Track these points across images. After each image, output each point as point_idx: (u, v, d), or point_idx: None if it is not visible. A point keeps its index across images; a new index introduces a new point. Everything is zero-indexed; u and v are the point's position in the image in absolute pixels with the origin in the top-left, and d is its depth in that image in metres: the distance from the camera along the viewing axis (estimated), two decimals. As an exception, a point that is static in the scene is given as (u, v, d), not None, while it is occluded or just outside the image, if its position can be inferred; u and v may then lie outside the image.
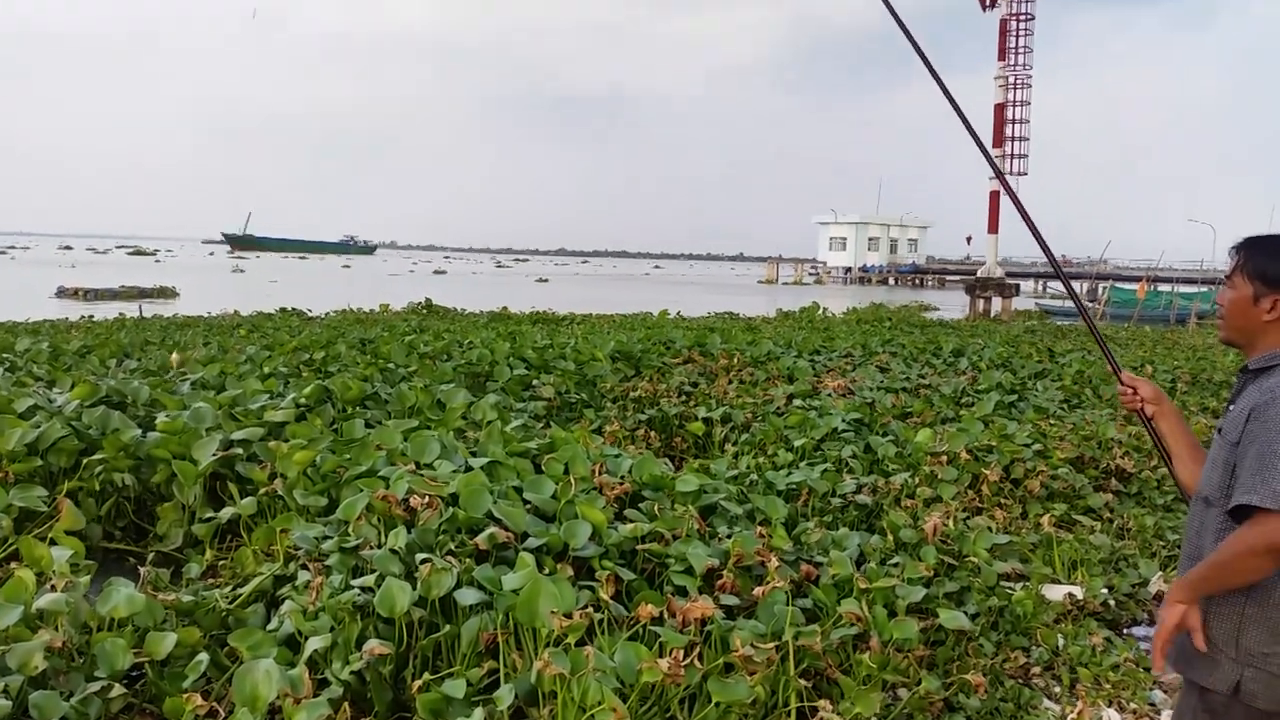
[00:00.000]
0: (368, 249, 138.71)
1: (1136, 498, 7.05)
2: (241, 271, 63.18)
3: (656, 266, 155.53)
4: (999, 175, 3.73)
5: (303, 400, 7.24)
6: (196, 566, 4.54)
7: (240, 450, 5.88)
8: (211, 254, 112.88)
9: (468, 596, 3.70)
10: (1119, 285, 46.44)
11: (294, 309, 20.97)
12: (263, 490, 5.30)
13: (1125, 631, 4.98)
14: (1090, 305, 41.00)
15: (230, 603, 4.05)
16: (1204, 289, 46.27)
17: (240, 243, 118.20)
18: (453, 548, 4.18)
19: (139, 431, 5.96)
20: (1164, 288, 46.41)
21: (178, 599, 3.88)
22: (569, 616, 3.40)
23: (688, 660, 3.31)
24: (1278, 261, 2.23)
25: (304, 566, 4.18)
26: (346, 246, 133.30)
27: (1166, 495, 7.12)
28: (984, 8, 39.26)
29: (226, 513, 5.11)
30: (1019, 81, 38.67)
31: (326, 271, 72.35)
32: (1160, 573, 5.62)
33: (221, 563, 4.94)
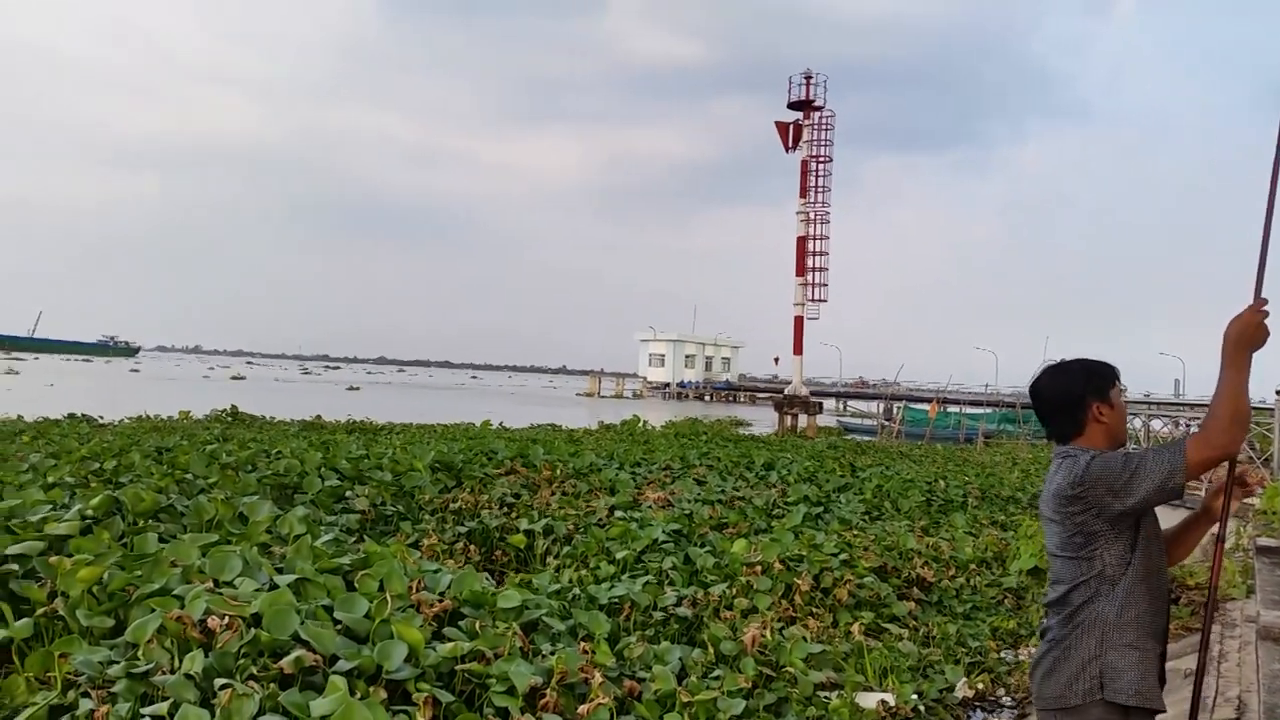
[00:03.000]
0: (129, 350, 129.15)
1: (938, 606, 7.45)
2: (15, 373, 57.94)
3: (474, 377, 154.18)
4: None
5: (90, 512, 6.65)
6: (-47, 700, 4.01)
7: (15, 566, 5.31)
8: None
9: (271, 724, 3.45)
10: (912, 406, 49.74)
11: (84, 415, 19.37)
12: (41, 610, 4.79)
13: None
14: (886, 424, 43.69)
15: (-7, 741, 3.60)
16: (989, 410, 50.24)
17: None
18: (255, 672, 3.90)
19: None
20: (953, 408, 50.07)
21: (-72, 739, 3.42)
22: (384, 742, 3.23)
23: (509, 784, 3.20)
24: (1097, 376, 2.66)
25: (86, 695, 3.78)
26: (105, 348, 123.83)
27: (965, 604, 7.56)
28: (787, 149, 42.51)
29: (-4, 636, 4.57)
30: (818, 216, 41.80)
31: (113, 375, 67.62)
32: (965, 678, 5.93)
33: (-14, 694, 4.39)
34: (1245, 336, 2.43)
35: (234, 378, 76.67)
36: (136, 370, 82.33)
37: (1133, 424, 12.80)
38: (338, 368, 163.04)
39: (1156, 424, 13.15)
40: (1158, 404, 13.87)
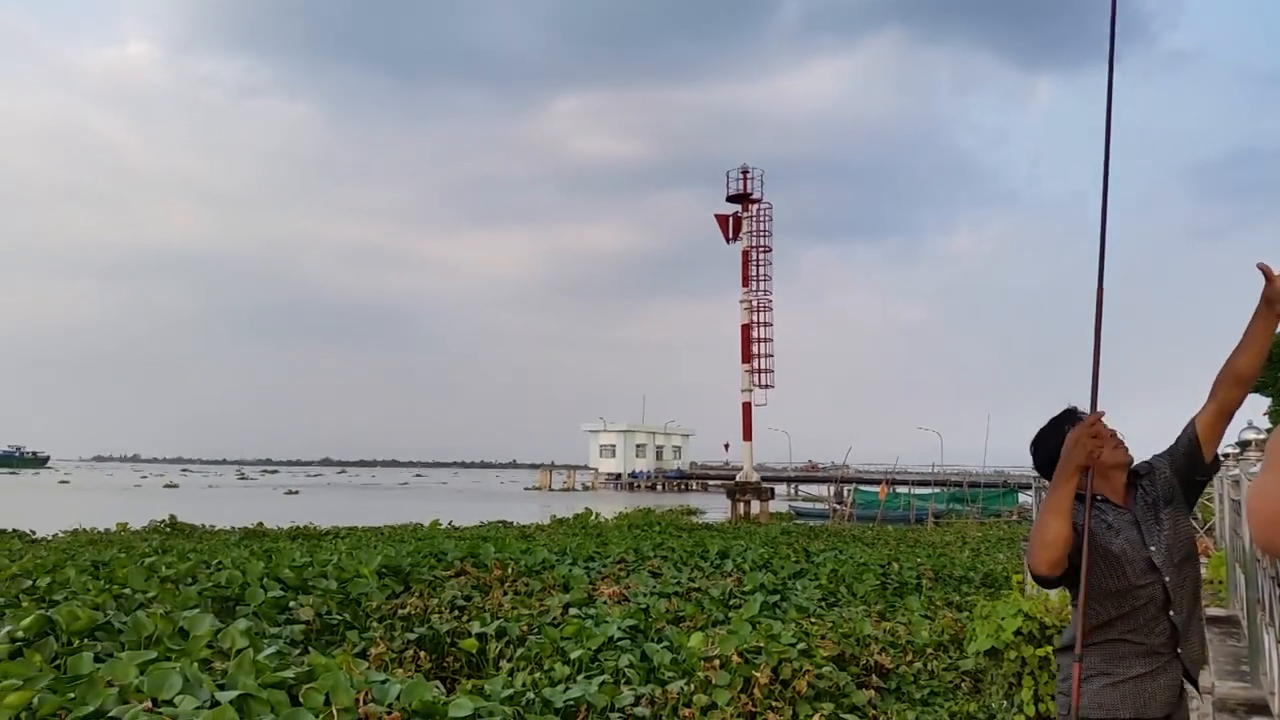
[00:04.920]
0: (37, 460, 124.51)
1: (896, 693, 7.40)
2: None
3: (418, 475, 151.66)
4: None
5: (20, 633, 6.38)
6: None
7: (-65, 698, 5.05)
8: None
9: None
10: (862, 488, 50.09)
11: (14, 530, 18.67)
12: (-38, 745, 4.55)
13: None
14: (838, 507, 43.87)
15: None
16: (938, 490, 50.75)
17: None
18: (196, 797, 3.74)
19: None
20: (902, 489, 50.49)
21: None
22: None
23: None
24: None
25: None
26: (10, 458, 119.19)
27: (923, 689, 7.52)
28: (727, 240, 43.60)
29: (-89, 776, 4.33)
30: (760, 304, 42.66)
31: (41, 486, 65.53)
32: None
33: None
34: (1069, 453, 2.54)
35: (167, 485, 74.77)
36: (66, 481, 79.74)
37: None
38: (276, 471, 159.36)
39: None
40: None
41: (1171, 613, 2.66)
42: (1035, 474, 2.91)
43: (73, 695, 4.84)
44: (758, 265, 42.80)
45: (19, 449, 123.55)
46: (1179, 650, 2.68)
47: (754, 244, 42.82)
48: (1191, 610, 2.70)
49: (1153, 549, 2.67)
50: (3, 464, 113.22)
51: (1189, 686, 2.72)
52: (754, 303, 42.34)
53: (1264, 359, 2.61)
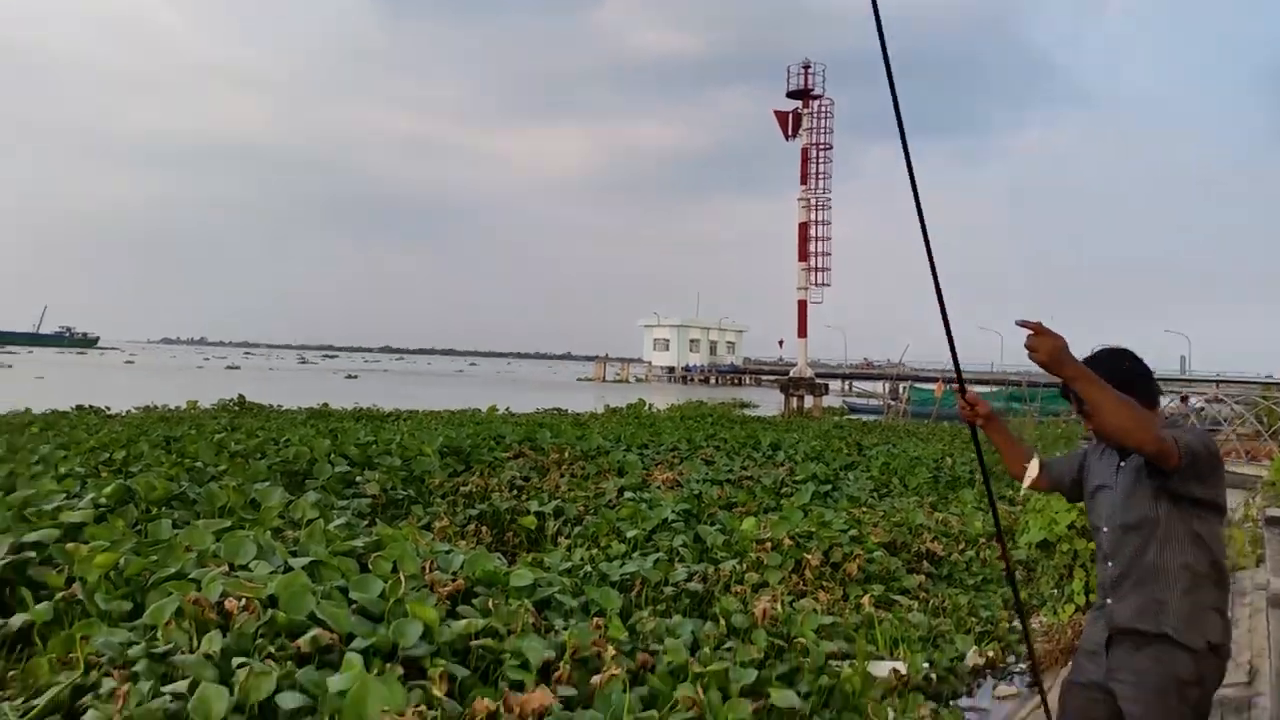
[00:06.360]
0: (87, 341, 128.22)
1: (948, 579, 7.48)
2: (8, 367, 57.99)
3: (472, 364, 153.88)
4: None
5: (103, 500, 6.71)
6: (-20, 680, 4.06)
7: (33, 553, 5.36)
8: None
9: (289, 700, 3.48)
10: (918, 385, 49.68)
11: (91, 406, 19.44)
12: (59, 595, 4.84)
13: (950, 704, 5.23)
14: (893, 404, 43.70)
15: (22, 716, 3.64)
16: (995, 389, 50.20)
17: None
18: (272, 651, 3.94)
19: (-91, 537, 5.34)
20: (958, 387, 49.89)
21: (-46, 718, 3.47)
22: (400, 715, 3.27)
23: (527, 754, 3.24)
24: (1113, 370, 2.68)
25: (107, 674, 3.82)
26: (59, 338, 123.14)
27: (975, 576, 7.59)
28: (786, 137, 42.41)
29: (17, 620, 4.62)
30: (819, 203, 41.72)
31: (108, 366, 67.93)
32: (975, 647, 5.96)
33: (11, 674, 4.44)
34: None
35: (229, 367, 76.85)
36: (131, 361, 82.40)
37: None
38: (335, 356, 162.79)
39: (1163, 400, 13.11)
40: (1163, 380, 13.84)
41: (1109, 564, 2.77)
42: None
43: (154, 558, 5.11)
44: (817, 163, 41.70)
45: (68, 329, 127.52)
46: (1108, 600, 2.76)
47: (814, 141, 41.64)
48: (1133, 573, 2.70)
49: (1106, 502, 2.81)
50: (53, 344, 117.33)
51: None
52: (812, 201, 41.42)
53: (1109, 426, 2.53)
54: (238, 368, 76.73)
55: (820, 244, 41.53)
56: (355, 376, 65.74)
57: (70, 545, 5.29)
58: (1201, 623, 2.60)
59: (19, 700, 3.84)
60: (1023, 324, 2.47)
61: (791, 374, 42.28)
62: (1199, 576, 2.62)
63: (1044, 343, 2.44)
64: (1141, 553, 2.68)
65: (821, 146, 41.87)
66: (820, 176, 41.78)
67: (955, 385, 3.16)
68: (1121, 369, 2.74)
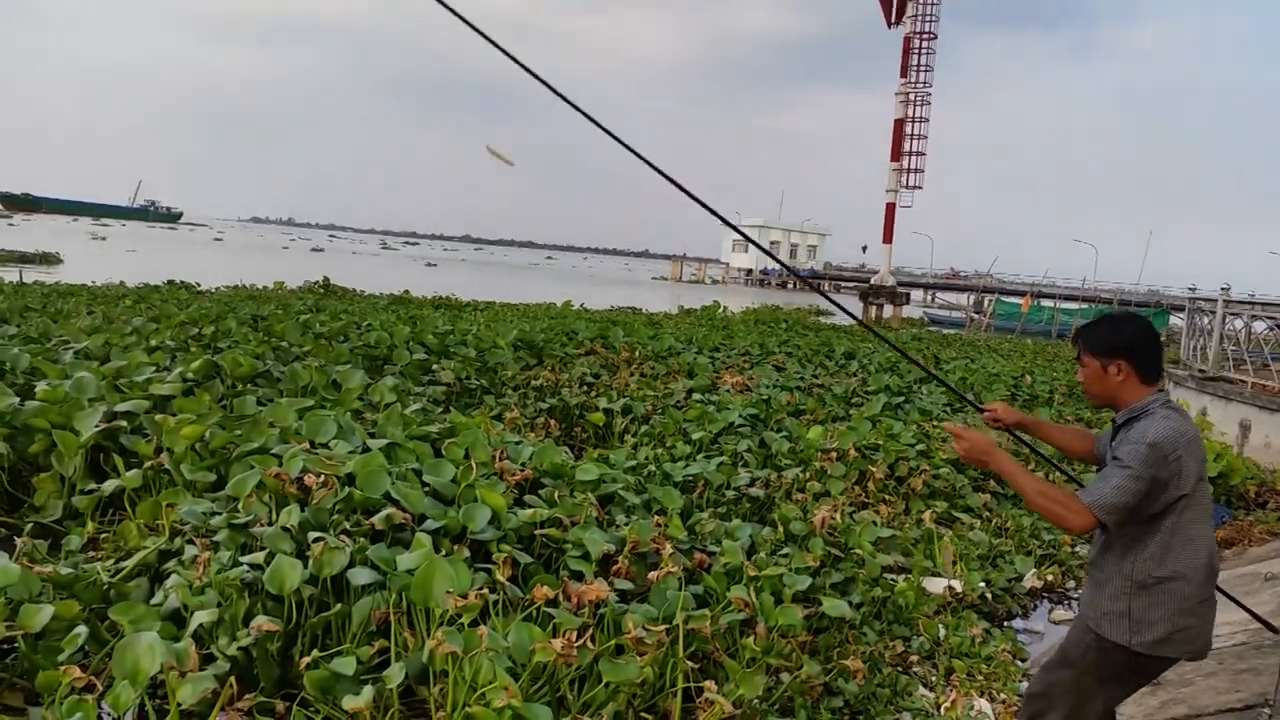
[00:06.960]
0: (171, 215, 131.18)
1: (1014, 499, 7.41)
2: (102, 239, 60.07)
3: (549, 257, 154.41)
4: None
5: (191, 374, 7.01)
6: (77, 539, 4.35)
7: (124, 422, 5.67)
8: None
9: (361, 576, 3.66)
10: (1004, 299, 48.31)
11: (182, 282, 20.16)
12: (148, 464, 5.12)
13: (1004, 624, 5.25)
14: (975, 317, 42.66)
15: (112, 576, 3.91)
16: (1085, 306, 48.52)
17: (15, 203, 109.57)
18: (348, 527, 4.13)
19: (16, 400, 5.69)
20: (1047, 303, 48.46)
21: (55, 571, 3.74)
22: (464, 597, 3.41)
23: (580, 641, 3.36)
24: (1107, 335, 2.71)
25: (190, 542, 4.07)
26: (145, 212, 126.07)
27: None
28: (889, 24, 40.43)
29: (110, 485, 4.92)
30: (919, 98, 39.97)
31: (197, 242, 70.05)
32: (1035, 569, 5.94)
33: (103, 536, 4.76)
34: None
35: (313, 249, 78.41)
36: (220, 239, 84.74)
37: (1233, 325, 12.27)
38: (417, 244, 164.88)
39: (1259, 325, 12.54)
40: (1263, 305, 13.20)
41: (1090, 547, 2.83)
42: (1190, 294, 2.80)
43: (239, 432, 5.35)
44: (919, 53, 39.77)
45: (153, 203, 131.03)
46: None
47: (918, 29, 39.67)
48: (1101, 563, 2.69)
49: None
50: (139, 216, 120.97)
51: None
52: (911, 95, 39.73)
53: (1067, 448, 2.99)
54: (321, 250, 78.38)
55: (915, 142, 40.00)
56: (435, 265, 66.68)
57: (160, 416, 5.57)
58: (1116, 625, 2.61)
59: (110, 561, 4.12)
60: (949, 428, 2.83)
61: (873, 281, 41.43)
62: (1134, 584, 2.60)
63: (962, 445, 2.74)
64: (1107, 546, 2.69)
65: (926, 36, 39.87)
66: (921, 69, 39.91)
67: (981, 407, 3.16)
68: (1114, 340, 2.70)
